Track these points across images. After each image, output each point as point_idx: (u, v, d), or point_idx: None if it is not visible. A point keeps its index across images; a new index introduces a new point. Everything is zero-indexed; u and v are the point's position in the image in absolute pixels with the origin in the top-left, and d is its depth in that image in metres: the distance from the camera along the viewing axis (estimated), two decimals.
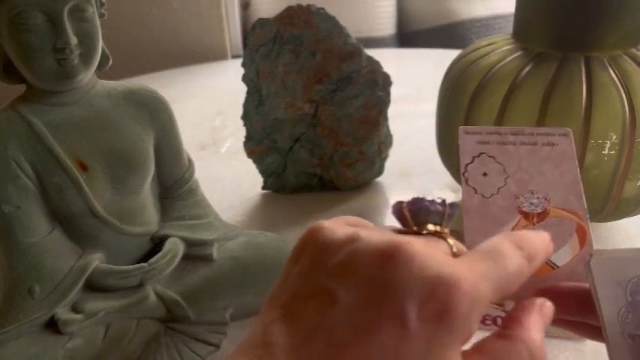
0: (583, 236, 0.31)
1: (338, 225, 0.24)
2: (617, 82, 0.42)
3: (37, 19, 0.34)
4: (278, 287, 0.24)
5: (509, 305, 0.33)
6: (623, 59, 0.43)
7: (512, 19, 0.49)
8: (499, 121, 0.44)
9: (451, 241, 0.24)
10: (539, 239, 0.25)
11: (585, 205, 0.31)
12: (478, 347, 0.23)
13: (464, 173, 0.30)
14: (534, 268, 0.24)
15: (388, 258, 0.21)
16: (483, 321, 0.42)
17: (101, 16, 0.38)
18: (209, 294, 0.41)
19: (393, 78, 0.56)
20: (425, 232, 0.24)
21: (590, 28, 0.43)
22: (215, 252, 0.43)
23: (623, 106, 0.41)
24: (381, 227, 0.25)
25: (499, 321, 0.42)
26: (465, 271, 0.21)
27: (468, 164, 0.30)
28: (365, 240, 0.22)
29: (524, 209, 0.30)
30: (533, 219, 0.30)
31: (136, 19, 1.05)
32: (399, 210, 0.25)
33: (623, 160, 0.42)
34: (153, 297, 0.39)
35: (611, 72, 0.43)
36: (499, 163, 0.30)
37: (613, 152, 0.42)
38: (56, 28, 0.34)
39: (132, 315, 0.39)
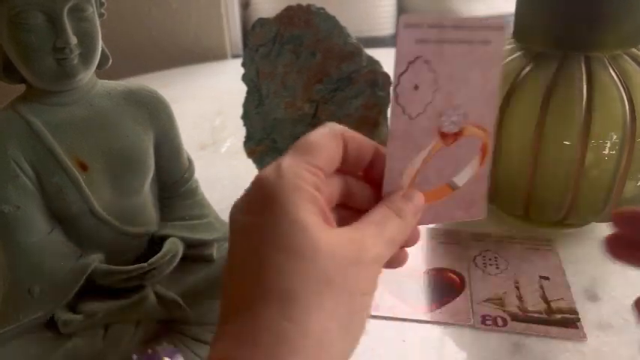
0: (484, 154, 0.29)
1: None
2: (618, 81, 0.42)
3: (37, 18, 0.34)
4: None
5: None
6: (623, 59, 0.43)
7: (512, 18, 0.49)
8: (500, 120, 0.44)
9: None
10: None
11: (494, 121, 0.29)
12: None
13: (396, 87, 0.26)
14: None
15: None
16: (484, 321, 0.42)
17: (101, 15, 0.38)
18: (209, 294, 0.41)
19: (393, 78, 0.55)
20: None
21: (590, 28, 0.43)
22: (215, 252, 0.43)
23: (624, 105, 0.41)
24: None
25: (499, 321, 0.42)
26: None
27: (401, 74, 0.26)
28: None
29: (443, 130, 0.28)
30: (449, 140, 0.28)
31: (136, 19, 1.05)
32: None
33: (624, 160, 0.42)
34: (152, 297, 0.39)
35: (612, 72, 0.42)
36: (433, 71, 0.26)
37: (613, 152, 0.42)
38: (56, 27, 0.34)
39: (131, 315, 0.39)
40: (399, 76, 0.26)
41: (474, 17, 0.26)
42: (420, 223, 0.28)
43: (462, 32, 0.26)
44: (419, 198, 0.27)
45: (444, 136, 0.28)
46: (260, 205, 0.24)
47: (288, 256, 0.23)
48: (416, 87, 0.26)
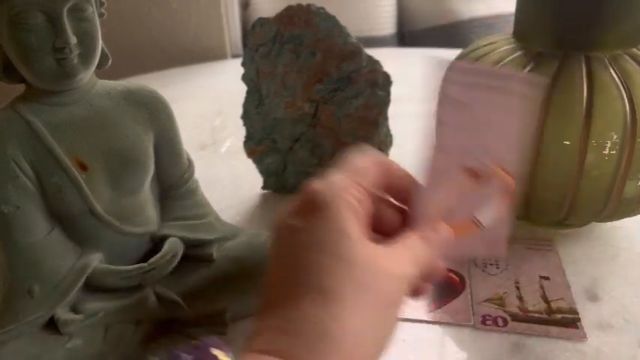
0: (509, 198, 0.31)
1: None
2: (618, 81, 0.42)
3: (37, 18, 0.34)
4: None
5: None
6: (623, 59, 0.43)
7: (512, 18, 0.49)
8: None
9: None
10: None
11: (521, 168, 0.31)
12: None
13: (437, 124, 0.29)
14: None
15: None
16: (484, 321, 0.42)
17: (100, 15, 0.38)
18: (209, 294, 0.41)
19: (393, 78, 0.55)
20: None
21: (590, 28, 0.43)
22: (215, 252, 0.43)
23: (624, 105, 0.41)
24: None
25: (499, 321, 0.42)
26: None
27: (442, 113, 0.29)
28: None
29: (474, 169, 0.30)
30: (478, 179, 0.30)
31: (136, 19, 1.05)
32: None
33: (624, 159, 0.42)
34: (152, 297, 0.39)
35: (612, 72, 0.42)
36: (473, 115, 0.29)
37: (614, 152, 0.42)
38: (56, 27, 0.34)
39: (131, 315, 0.39)
40: (441, 114, 0.28)
41: (518, 72, 0.29)
42: (447, 255, 0.30)
43: (504, 83, 0.28)
44: (446, 231, 0.30)
45: (473, 175, 0.30)
46: (308, 211, 0.27)
47: (331, 259, 0.25)
48: (455, 127, 0.29)
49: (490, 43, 0.50)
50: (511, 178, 0.31)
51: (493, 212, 0.31)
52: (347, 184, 0.27)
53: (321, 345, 0.23)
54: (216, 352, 0.28)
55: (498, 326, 0.41)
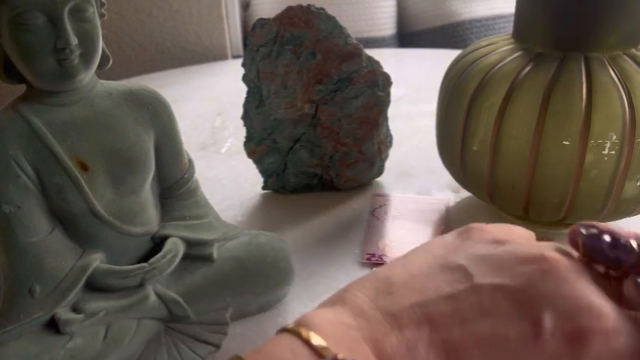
0: None
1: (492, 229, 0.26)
2: (617, 82, 0.42)
3: (38, 19, 0.34)
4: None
5: None
6: (623, 59, 0.43)
7: (512, 19, 0.49)
8: (499, 121, 0.44)
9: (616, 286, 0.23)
10: None
11: None
12: None
13: None
14: None
15: (538, 265, 0.22)
16: None
17: (101, 16, 0.38)
18: (209, 294, 0.41)
19: (393, 78, 0.56)
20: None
21: (590, 28, 0.43)
22: (215, 252, 0.43)
23: (623, 106, 0.41)
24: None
25: None
26: (611, 312, 0.21)
27: None
28: (517, 243, 0.24)
29: None
30: None
31: (137, 20, 1.05)
32: (573, 237, 0.25)
33: (623, 160, 0.42)
34: (153, 297, 0.39)
35: (611, 72, 0.43)
36: None
37: (613, 152, 0.42)
38: (56, 28, 0.34)
39: (132, 315, 0.39)
40: None
41: None
42: None
43: None
44: None
45: None
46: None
47: None
48: None
49: (490, 44, 0.50)
50: None
51: None
52: None
53: None
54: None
55: None
